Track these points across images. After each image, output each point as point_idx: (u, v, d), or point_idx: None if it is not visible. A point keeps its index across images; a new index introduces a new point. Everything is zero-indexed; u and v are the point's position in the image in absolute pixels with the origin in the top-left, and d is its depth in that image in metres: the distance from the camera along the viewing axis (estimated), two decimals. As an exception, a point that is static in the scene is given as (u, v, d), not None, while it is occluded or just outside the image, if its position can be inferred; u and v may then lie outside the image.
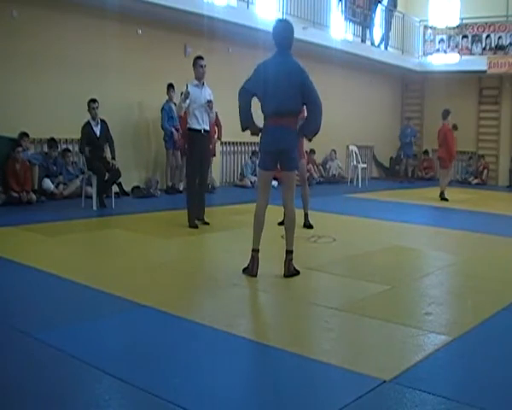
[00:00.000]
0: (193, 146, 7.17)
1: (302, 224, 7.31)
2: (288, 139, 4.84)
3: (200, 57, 7.26)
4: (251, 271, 4.91)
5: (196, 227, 7.11)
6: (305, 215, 7.48)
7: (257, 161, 12.64)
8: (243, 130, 5.05)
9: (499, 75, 15.99)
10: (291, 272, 4.92)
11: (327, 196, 11.36)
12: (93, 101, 8.63)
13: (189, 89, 7.04)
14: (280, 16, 12.22)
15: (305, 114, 5.06)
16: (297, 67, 4.84)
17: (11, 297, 4.33)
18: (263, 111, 4.94)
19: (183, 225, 7.13)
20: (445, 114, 11.64)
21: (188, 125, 7.25)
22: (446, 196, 11.45)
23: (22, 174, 8.60)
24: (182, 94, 7.31)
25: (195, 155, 7.15)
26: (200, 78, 7.17)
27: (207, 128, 7.23)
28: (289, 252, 4.93)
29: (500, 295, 4.66)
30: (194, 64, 7.22)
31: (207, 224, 7.27)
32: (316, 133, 5.03)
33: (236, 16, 10.83)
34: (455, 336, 3.68)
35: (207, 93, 7.21)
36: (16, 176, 8.54)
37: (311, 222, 7.46)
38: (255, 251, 4.94)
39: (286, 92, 4.75)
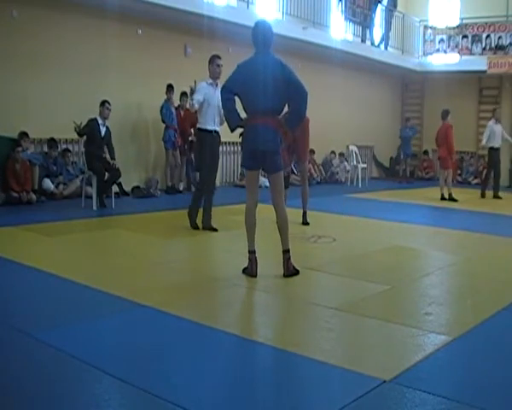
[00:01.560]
0: (204, 147, 6.87)
1: (301, 222, 7.67)
2: (271, 140, 4.77)
3: (218, 56, 6.93)
4: (250, 272, 4.90)
5: (198, 228, 7.04)
6: (304, 213, 7.73)
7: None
8: (232, 131, 4.99)
9: (499, 75, 15.99)
10: (290, 272, 4.90)
11: (327, 196, 11.36)
12: (108, 102, 8.70)
13: (202, 86, 6.79)
14: (280, 16, 12.24)
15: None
16: (278, 63, 4.79)
17: (11, 297, 4.33)
18: (245, 110, 4.91)
19: (183, 225, 7.12)
20: (445, 114, 11.66)
21: (198, 125, 6.98)
22: (446, 195, 11.48)
23: (22, 174, 8.60)
24: (190, 90, 7.02)
25: (208, 156, 6.87)
26: (216, 77, 6.87)
27: (218, 129, 6.95)
28: (286, 251, 4.91)
29: (500, 295, 4.66)
30: (211, 62, 6.89)
31: (216, 230, 6.98)
32: (298, 123, 4.93)
33: (236, 16, 10.83)
34: (455, 336, 3.68)
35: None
36: (16, 176, 8.54)
37: (308, 220, 7.72)
38: (251, 253, 4.92)
39: (268, 90, 4.69)
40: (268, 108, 4.74)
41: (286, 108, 5.09)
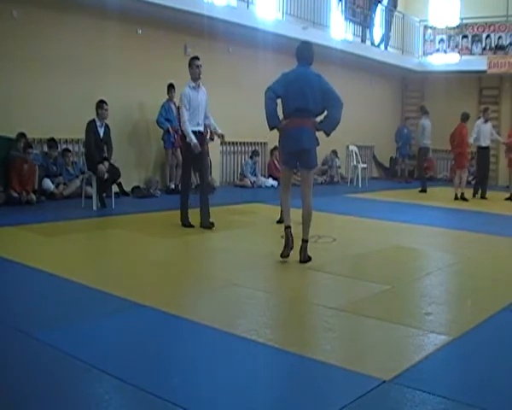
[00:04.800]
0: (188, 147, 7.06)
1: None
2: (307, 140, 5.33)
3: (195, 57, 7.20)
4: (286, 245, 5.39)
5: (192, 226, 7.11)
6: None
7: (257, 159, 12.82)
8: (271, 129, 5.52)
9: (499, 75, 15.99)
10: (306, 259, 5.40)
11: (327, 196, 11.35)
12: (104, 102, 8.55)
13: (186, 95, 6.99)
14: (280, 16, 12.23)
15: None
16: (315, 75, 5.42)
17: (11, 297, 4.34)
18: (284, 112, 5.42)
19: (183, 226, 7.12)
20: (465, 117, 11.71)
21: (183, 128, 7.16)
22: (464, 195, 11.60)
23: (27, 175, 8.58)
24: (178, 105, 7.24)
25: (190, 157, 7.10)
26: (196, 78, 7.08)
27: (202, 130, 7.18)
28: (305, 241, 5.44)
29: (500, 295, 4.66)
30: (190, 65, 7.13)
31: (213, 224, 7.10)
32: (334, 128, 5.45)
33: (236, 16, 10.83)
34: (455, 336, 3.68)
35: (203, 93, 7.15)
36: (21, 176, 8.50)
37: None
38: (288, 228, 5.44)
39: (306, 94, 5.25)
40: (305, 109, 5.29)
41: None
